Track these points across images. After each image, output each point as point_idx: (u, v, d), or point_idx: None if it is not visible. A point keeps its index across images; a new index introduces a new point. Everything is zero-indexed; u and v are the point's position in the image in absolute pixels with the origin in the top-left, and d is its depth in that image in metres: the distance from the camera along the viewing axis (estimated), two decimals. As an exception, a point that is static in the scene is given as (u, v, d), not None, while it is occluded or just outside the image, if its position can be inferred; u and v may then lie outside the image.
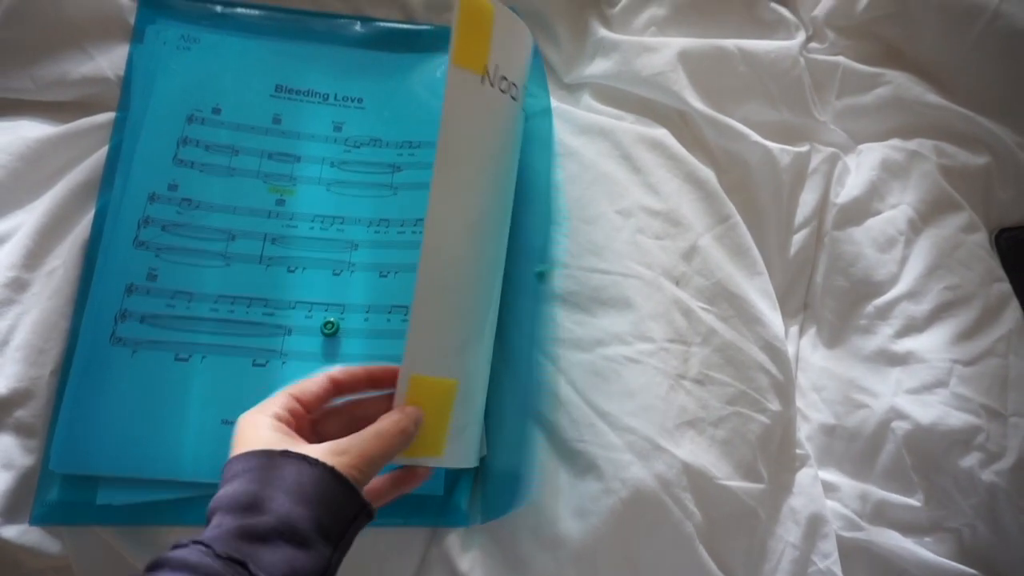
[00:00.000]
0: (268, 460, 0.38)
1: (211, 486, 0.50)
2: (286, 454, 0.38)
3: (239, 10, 0.64)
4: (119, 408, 0.51)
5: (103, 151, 0.57)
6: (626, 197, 0.58)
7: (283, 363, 0.53)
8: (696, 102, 0.61)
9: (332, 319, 0.55)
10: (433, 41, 0.65)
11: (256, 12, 0.64)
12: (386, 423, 0.42)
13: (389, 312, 0.56)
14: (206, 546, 0.35)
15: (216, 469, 0.50)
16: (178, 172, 0.57)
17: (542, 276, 0.56)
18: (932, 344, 0.59)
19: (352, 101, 0.62)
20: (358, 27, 0.65)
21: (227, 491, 0.38)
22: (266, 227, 0.57)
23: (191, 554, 0.35)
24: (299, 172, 0.59)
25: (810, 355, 0.62)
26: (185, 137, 0.58)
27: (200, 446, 0.50)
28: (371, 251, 0.57)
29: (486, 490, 0.53)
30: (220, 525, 0.36)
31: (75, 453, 0.49)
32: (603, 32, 0.65)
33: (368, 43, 0.64)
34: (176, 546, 0.36)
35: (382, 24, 0.65)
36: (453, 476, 0.53)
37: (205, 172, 0.57)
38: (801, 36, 0.66)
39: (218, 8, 0.63)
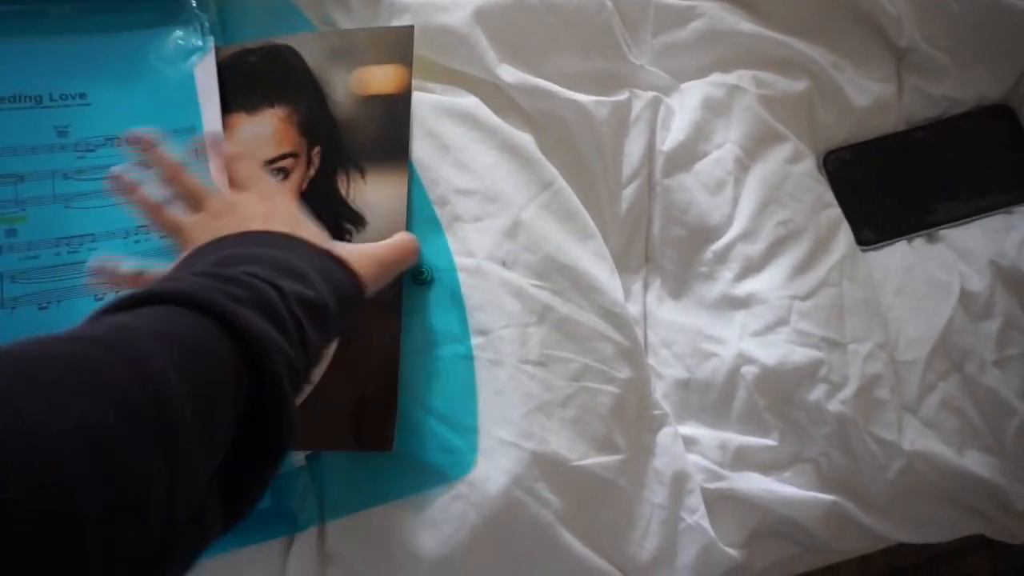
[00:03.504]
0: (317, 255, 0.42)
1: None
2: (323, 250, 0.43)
3: None
4: None
5: None
6: (438, 183, 0.53)
7: None
8: (498, 65, 0.57)
9: None
10: (153, 11, 0.57)
11: None
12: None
13: None
14: (278, 289, 0.37)
15: None
16: None
17: (417, 279, 0.52)
18: (770, 283, 0.58)
19: (73, 98, 0.54)
20: (65, 9, 0.56)
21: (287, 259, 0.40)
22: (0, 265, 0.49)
23: (269, 294, 0.36)
24: (25, 193, 0.51)
25: (657, 310, 0.61)
26: None
27: None
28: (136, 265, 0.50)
29: (327, 488, 0.50)
30: (276, 279, 0.37)
31: None
32: (395, -7, 0.59)
33: (79, 27, 0.56)
34: (232, 273, 0.36)
35: (92, 2, 0.56)
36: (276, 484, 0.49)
37: None
38: (606, -25, 0.62)
39: None
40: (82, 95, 0.54)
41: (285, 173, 0.54)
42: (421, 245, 0.51)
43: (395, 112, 0.55)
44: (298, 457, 0.51)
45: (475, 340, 0.51)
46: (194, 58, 0.56)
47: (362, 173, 0.54)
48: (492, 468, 0.49)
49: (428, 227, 0.53)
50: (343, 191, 0.54)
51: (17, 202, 0.51)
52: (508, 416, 0.50)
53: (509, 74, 0.57)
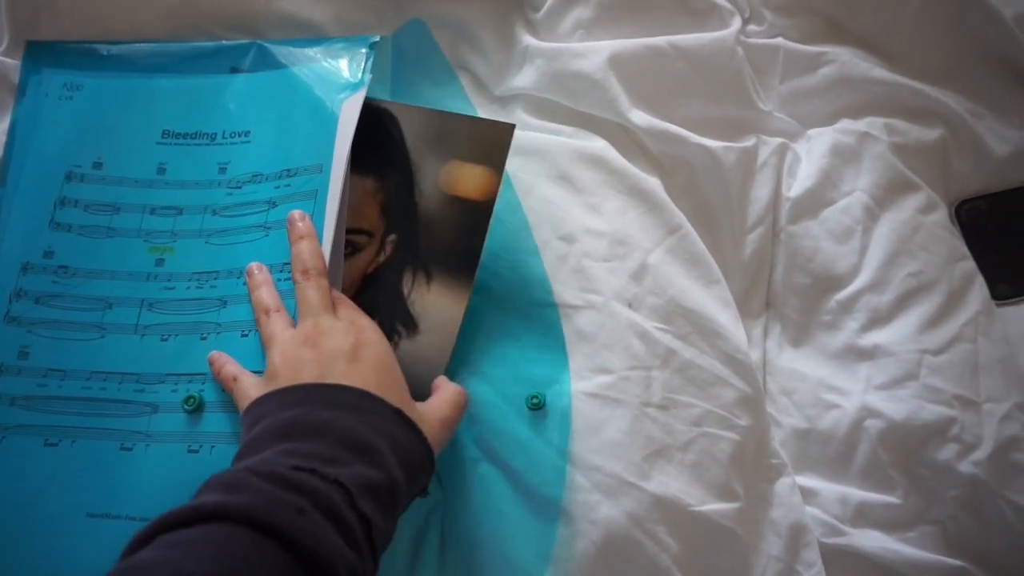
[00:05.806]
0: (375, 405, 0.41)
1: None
2: (398, 413, 0.42)
3: (129, 47, 0.57)
4: None
5: (-17, 222, 0.52)
6: (568, 221, 0.55)
7: (147, 447, 0.48)
8: (630, 109, 0.58)
9: (193, 393, 0.48)
10: (328, 46, 0.57)
11: (146, 48, 0.57)
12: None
13: None
14: (344, 489, 0.35)
15: (81, 569, 0.45)
16: (55, 237, 0.52)
17: (536, 405, 0.51)
18: (899, 335, 0.57)
19: (239, 136, 0.55)
20: (254, 52, 0.57)
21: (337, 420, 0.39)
22: (143, 292, 0.51)
23: (334, 499, 0.34)
24: (180, 226, 0.53)
25: (776, 357, 0.60)
26: (63, 198, 0.53)
27: (61, 544, 0.46)
28: (238, 307, 0.50)
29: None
30: (342, 462, 0.36)
31: None
32: (529, 39, 0.61)
33: (260, 65, 0.57)
34: (297, 467, 0.35)
35: (272, 45, 0.58)
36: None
37: (84, 235, 0.52)
38: (736, 23, 0.62)
39: (105, 50, 0.57)
40: (246, 133, 0.55)
41: (355, 249, 0.52)
42: (542, 367, 0.51)
43: (475, 222, 0.51)
44: None
45: (601, 379, 0.52)
46: (345, 93, 0.53)
47: (428, 278, 0.51)
48: (614, 508, 0.49)
49: (552, 347, 0.52)
50: (405, 291, 0.51)
51: (172, 234, 0.52)
52: (630, 457, 0.50)
53: (640, 118, 0.58)
